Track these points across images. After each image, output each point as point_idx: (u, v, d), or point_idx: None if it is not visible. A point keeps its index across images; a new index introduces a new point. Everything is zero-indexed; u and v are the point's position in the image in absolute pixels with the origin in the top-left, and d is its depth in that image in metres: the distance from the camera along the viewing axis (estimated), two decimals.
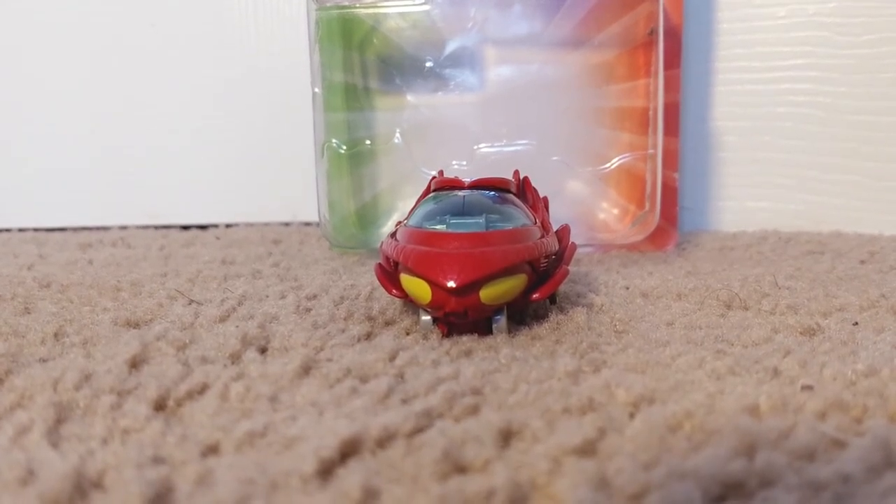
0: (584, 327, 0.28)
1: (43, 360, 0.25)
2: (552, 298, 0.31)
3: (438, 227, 0.27)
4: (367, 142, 0.46)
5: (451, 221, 0.27)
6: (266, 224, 0.58)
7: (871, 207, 0.51)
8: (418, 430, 0.19)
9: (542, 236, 0.27)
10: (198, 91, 0.57)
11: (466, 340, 0.26)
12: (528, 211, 0.29)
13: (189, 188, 0.59)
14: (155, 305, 0.32)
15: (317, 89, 0.45)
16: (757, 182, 0.53)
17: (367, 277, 0.37)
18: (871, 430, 0.18)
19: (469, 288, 0.24)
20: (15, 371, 0.23)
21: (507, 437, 0.19)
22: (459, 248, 0.24)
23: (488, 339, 0.26)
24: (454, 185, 0.30)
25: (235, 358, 0.25)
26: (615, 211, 0.46)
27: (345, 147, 0.46)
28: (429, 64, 0.45)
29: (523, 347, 0.26)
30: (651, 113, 0.44)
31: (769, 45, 0.51)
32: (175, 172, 0.58)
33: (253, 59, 0.57)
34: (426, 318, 0.27)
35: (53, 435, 0.19)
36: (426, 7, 0.44)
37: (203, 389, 0.22)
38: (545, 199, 0.33)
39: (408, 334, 0.28)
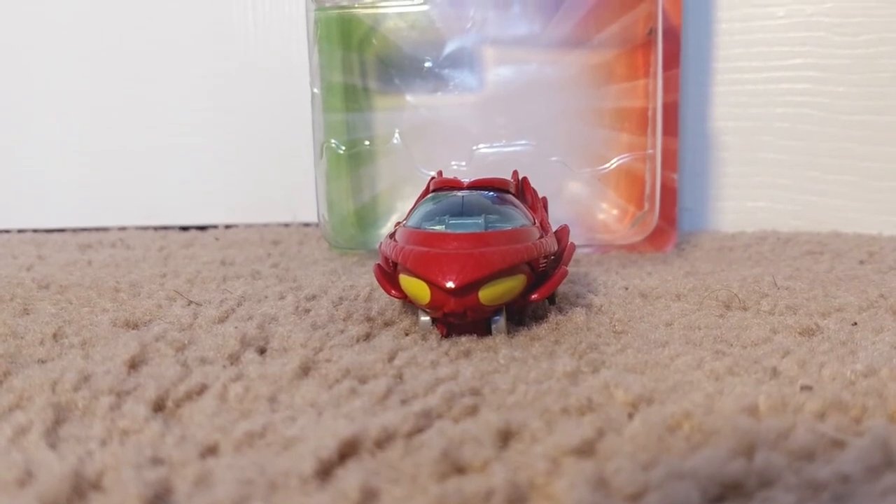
0: (583, 328, 0.28)
1: (41, 361, 0.25)
2: (551, 299, 0.31)
3: (437, 227, 0.26)
4: (366, 142, 0.46)
5: (450, 222, 0.26)
6: (265, 225, 0.58)
7: (870, 208, 0.51)
8: (417, 431, 0.19)
9: (541, 237, 0.27)
10: (197, 91, 0.57)
11: (465, 341, 0.26)
12: (527, 211, 0.29)
13: (188, 189, 0.59)
14: (154, 306, 0.32)
15: (316, 90, 0.45)
16: (756, 182, 0.53)
17: (367, 278, 0.37)
18: (870, 430, 0.18)
19: (468, 288, 0.24)
20: (13, 372, 0.23)
21: (505, 437, 0.19)
22: (458, 249, 0.24)
23: (487, 340, 0.26)
24: (453, 185, 0.30)
25: (234, 359, 0.25)
26: (614, 211, 0.46)
27: (344, 148, 0.46)
28: (428, 64, 0.45)
29: (522, 348, 0.26)
30: (650, 113, 0.44)
31: (768, 45, 0.51)
32: (174, 173, 0.58)
33: (252, 59, 0.57)
34: (425, 318, 0.27)
35: (52, 436, 0.19)
36: (425, 7, 0.44)
37: (202, 390, 0.22)
38: (544, 200, 0.33)
39: (407, 335, 0.28)
